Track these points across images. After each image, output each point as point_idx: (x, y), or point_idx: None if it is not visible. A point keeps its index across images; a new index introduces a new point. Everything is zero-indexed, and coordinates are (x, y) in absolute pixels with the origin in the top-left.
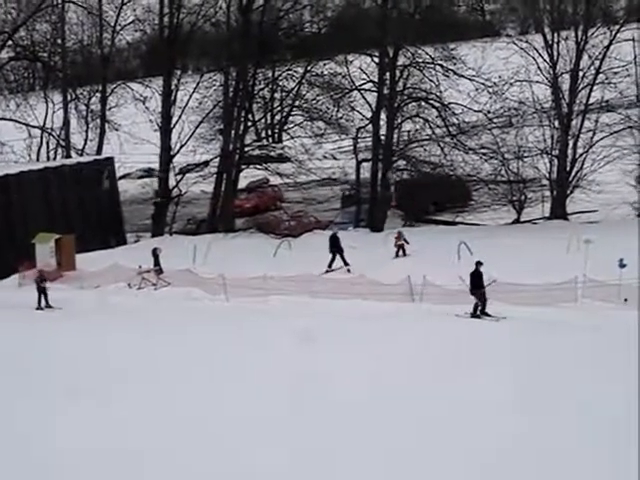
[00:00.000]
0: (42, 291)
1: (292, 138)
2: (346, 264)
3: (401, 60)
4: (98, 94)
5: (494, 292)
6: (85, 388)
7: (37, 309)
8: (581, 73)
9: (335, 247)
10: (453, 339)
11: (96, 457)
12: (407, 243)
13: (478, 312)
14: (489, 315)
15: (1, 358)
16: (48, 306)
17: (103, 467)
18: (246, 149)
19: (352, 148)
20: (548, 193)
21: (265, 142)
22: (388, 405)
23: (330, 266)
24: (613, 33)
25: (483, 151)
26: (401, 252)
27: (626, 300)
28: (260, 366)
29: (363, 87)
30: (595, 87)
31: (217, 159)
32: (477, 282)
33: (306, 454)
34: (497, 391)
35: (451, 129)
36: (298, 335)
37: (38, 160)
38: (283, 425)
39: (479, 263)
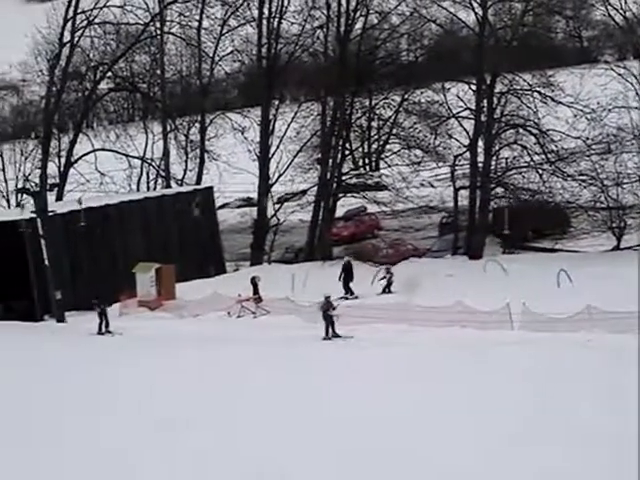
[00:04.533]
0: (329, 319)
1: (389, 166)
2: (346, 292)
3: (498, 87)
4: (197, 124)
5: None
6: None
7: (324, 339)
8: None
9: (347, 275)
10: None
11: None
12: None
13: None
14: None
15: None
16: (336, 335)
17: None
18: (343, 178)
19: (449, 176)
20: None
21: (362, 170)
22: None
23: (351, 292)
24: None
25: (582, 178)
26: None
27: None
28: (355, 398)
29: (460, 115)
30: None
31: (315, 188)
32: None
33: None
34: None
35: (549, 156)
36: (397, 365)
37: (138, 190)
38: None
39: None
